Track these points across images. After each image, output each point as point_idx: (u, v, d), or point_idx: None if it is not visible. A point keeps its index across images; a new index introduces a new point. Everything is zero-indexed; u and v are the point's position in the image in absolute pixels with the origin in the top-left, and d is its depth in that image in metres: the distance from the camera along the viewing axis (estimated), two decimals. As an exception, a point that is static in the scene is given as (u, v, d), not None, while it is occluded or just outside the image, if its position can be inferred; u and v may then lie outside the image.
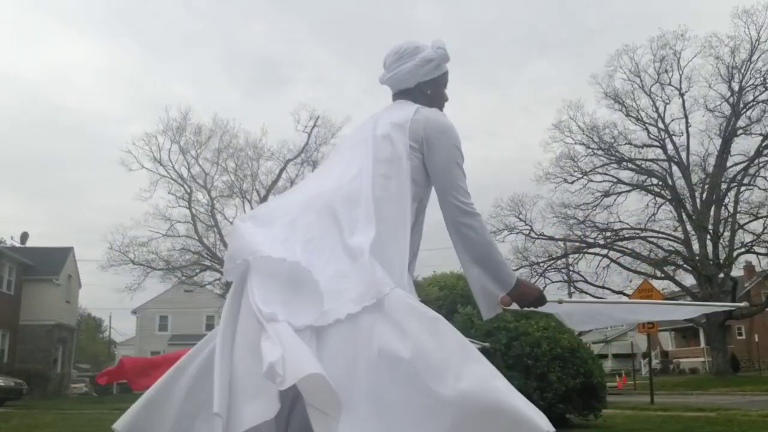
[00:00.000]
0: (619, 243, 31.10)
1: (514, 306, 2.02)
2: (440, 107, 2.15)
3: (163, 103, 70.11)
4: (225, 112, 77.00)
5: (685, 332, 46.71)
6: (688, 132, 30.64)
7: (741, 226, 29.41)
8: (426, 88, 2.13)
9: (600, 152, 31.77)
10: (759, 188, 29.25)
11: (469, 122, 65.06)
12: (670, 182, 30.79)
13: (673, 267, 30.40)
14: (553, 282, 31.24)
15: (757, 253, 29.77)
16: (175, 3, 73.26)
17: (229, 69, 68.82)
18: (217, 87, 64.91)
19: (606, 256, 30.55)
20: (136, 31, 70.36)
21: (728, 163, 30.09)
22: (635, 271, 29.92)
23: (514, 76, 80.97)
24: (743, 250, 29.77)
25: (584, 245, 30.95)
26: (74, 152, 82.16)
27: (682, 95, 30.34)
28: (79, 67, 76.30)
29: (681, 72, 30.10)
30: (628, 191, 31.67)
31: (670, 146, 31.01)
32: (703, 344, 40.06)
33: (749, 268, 38.95)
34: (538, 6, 71.25)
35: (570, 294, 32.77)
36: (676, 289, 31.77)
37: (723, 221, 29.70)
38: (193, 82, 67.71)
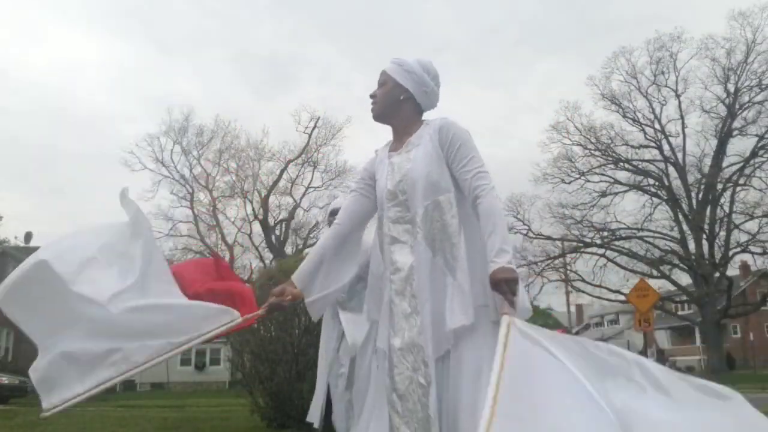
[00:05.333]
0: (616, 242, 31.30)
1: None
2: None
3: (170, 102, 70.18)
4: (232, 111, 77.01)
5: (681, 330, 47.05)
6: (684, 133, 30.86)
7: (736, 226, 29.57)
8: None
9: (597, 153, 31.95)
10: (754, 188, 29.40)
11: (478, 120, 65.52)
12: (666, 183, 30.98)
13: (669, 266, 30.62)
14: (550, 281, 31.42)
15: (753, 253, 29.92)
16: (185, 2, 73.00)
17: (237, 68, 68.71)
18: (224, 86, 64.79)
19: (603, 255, 30.72)
20: (145, 30, 70.10)
21: (724, 164, 30.25)
22: (632, 270, 30.09)
23: (522, 75, 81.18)
24: (739, 249, 29.94)
25: (581, 245, 31.15)
26: (78, 151, 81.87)
27: (678, 96, 30.53)
28: (86, 65, 75.82)
29: (677, 73, 30.29)
30: (625, 191, 31.84)
31: (666, 147, 31.18)
32: (698, 342, 40.39)
33: (744, 267, 39.21)
34: (546, 5, 71.33)
35: (567, 293, 33.16)
36: (672, 288, 32.03)
37: (719, 221, 29.83)
38: (200, 81, 67.49)
